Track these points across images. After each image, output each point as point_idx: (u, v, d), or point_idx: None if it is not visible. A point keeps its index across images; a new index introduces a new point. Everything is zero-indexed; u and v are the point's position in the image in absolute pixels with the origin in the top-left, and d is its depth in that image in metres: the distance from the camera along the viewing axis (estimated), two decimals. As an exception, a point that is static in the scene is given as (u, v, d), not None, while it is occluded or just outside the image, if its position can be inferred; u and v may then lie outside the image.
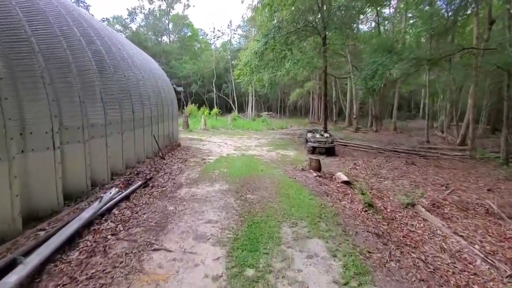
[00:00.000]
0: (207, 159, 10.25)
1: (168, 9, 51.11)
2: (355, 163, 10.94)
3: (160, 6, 48.64)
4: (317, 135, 13.37)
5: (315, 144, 12.52)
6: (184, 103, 42.92)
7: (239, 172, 8.28)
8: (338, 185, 7.60)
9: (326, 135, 13.44)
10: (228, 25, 53.20)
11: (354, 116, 25.49)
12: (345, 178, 7.86)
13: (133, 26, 47.41)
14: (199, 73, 44.92)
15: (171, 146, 11.14)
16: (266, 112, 44.68)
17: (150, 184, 6.30)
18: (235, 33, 48.71)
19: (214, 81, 44.38)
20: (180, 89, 15.02)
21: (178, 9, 50.64)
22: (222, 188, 6.54)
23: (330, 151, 12.66)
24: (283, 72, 14.06)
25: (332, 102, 45.77)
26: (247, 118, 38.43)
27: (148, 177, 6.65)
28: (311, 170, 8.47)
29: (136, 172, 6.90)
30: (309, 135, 14.20)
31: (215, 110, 34.15)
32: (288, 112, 49.63)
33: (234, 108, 44.21)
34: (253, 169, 8.76)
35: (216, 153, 11.62)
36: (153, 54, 44.23)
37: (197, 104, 38.56)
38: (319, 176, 8.02)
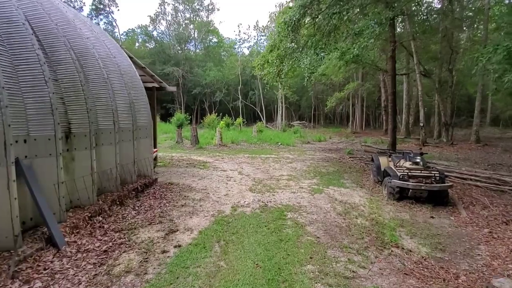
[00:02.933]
0: (178, 232, 4.34)
1: (193, 17, 47.49)
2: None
3: (184, 13, 45.07)
4: (406, 163, 6.89)
5: (410, 184, 6.05)
6: (209, 112, 38.22)
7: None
8: None
9: (420, 161, 6.88)
10: (255, 26, 47.26)
11: (422, 124, 18.23)
12: None
13: (156, 34, 44.14)
14: (224, 80, 40.07)
15: (126, 191, 5.48)
16: (298, 121, 38.34)
17: None
18: (262, 35, 43.16)
19: (239, 88, 39.18)
20: (172, 88, 9.39)
21: (202, 15, 46.68)
22: None
23: (439, 198, 6.17)
24: (334, 55, 8.02)
25: (375, 108, 37.88)
26: (276, 128, 32.44)
27: None
28: None
29: None
30: (382, 159, 7.81)
31: (239, 119, 28.66)
32: (322, 121, 42.73)
33: (262, 117, 38.51)
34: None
35: (212, 204, 5.72)
36: (177, 62, 40.44)
37: (220, 114, 33.50)
38: None
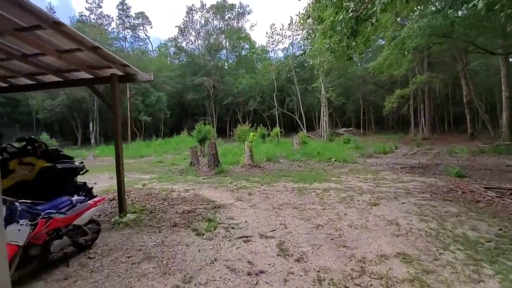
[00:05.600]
0: None
1: (224, 26, 44.42)
2: None
3: (213, 21, 42.26)
4: None
5: None
6: (242, 124, 33.96)
7: None
8: None
9: None
10: (289, 25, 40.14)
11: None
12: None
13: (186, 45, 41.72)
14: (257, 87, 35.70)
15: None
16: (345, 129, 32.05)
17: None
18: (297, 34, 37.42)
19: (275, 95, 34.39)
20: (146, 76, 4.69)
21: (233, 23, 43.45)
22: None
23: None
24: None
25: (440, 106, 29.63)
26: (320, 138, 26.73)
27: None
28: None
29: None
30: None
31: (276, 129, 23.70)
32: (373, 126, 35.71)
33: (302, 125, 33.04)
34: None
35: None
36: (207, 72, 37.27)
37: (255, 124, 28.88)
38: None
